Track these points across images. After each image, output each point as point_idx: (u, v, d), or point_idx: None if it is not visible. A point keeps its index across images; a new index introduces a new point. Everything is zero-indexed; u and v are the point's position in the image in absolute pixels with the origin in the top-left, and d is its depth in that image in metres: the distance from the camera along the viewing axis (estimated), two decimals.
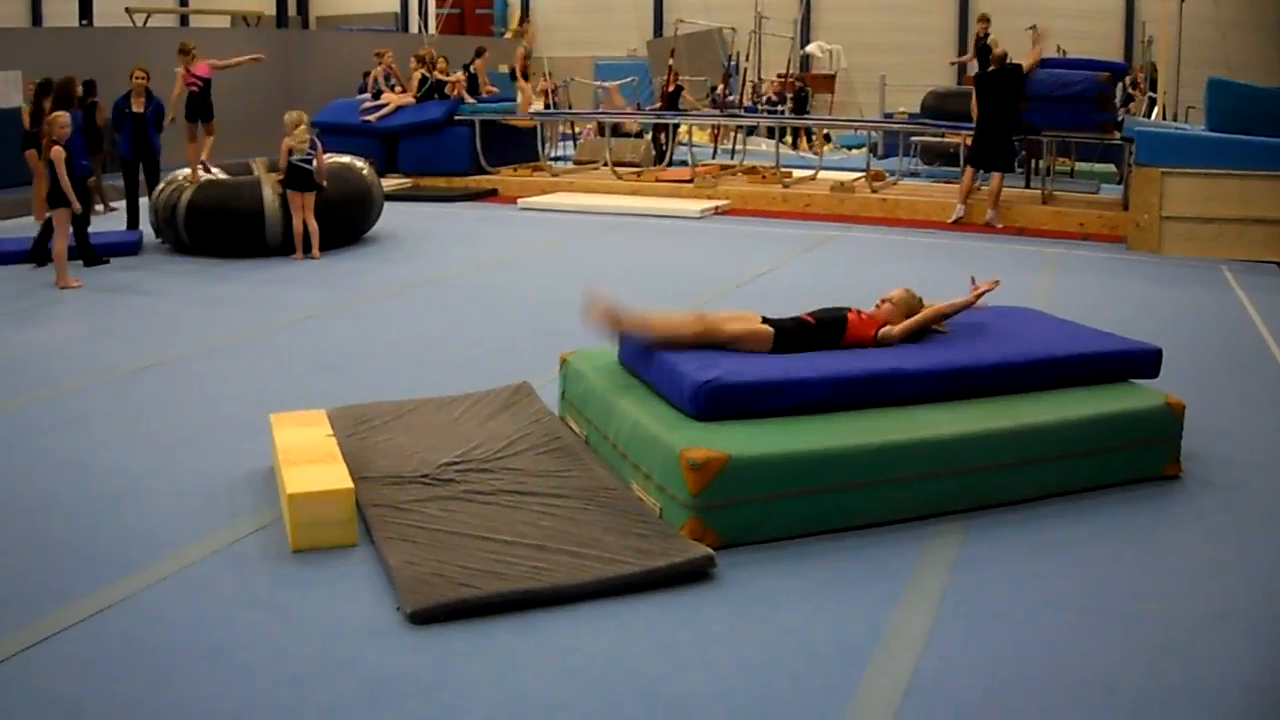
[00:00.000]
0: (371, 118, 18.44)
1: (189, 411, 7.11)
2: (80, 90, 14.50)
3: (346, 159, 13.58)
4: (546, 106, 21.52)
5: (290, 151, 12.28)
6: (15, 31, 26.34)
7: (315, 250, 12.38)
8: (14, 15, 33.42)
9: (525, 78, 19.86)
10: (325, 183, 12.45)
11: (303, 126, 12.42)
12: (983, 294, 6.30)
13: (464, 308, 10.06)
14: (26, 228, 13.86)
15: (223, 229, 12.45)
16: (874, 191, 16.20)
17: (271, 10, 32.73)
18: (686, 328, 5.71)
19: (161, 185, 13.01)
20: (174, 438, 6.57)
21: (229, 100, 18.12)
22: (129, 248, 12.78)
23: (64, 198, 11.02)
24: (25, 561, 4.94)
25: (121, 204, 14.63)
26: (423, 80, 18.73)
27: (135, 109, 13.62)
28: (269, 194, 12.44)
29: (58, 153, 11.00)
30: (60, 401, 7.39)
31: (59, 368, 8.22)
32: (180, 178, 12.85)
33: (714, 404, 5.24)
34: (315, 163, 12.36)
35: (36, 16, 34.10)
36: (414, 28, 34.97)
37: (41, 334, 9.42)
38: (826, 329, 5.91)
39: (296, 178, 12.29)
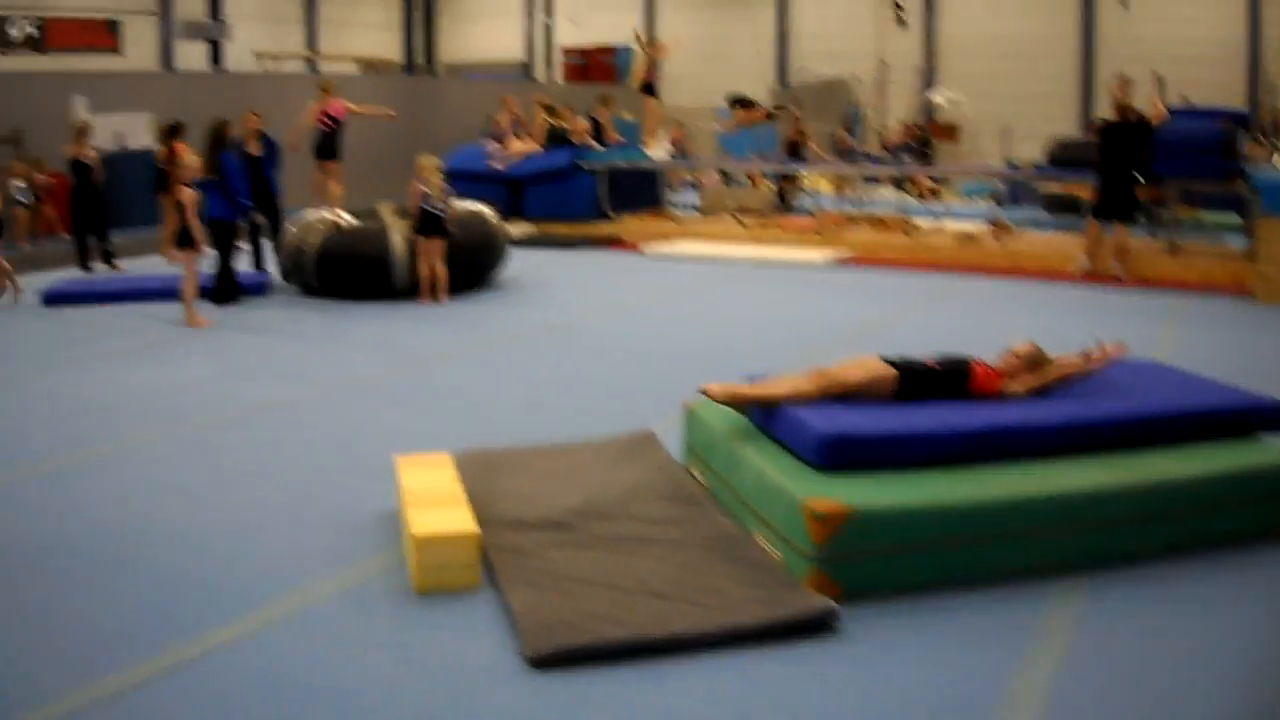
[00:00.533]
0: (498, 164, 18.63)
1: (315, 450, 7.24)
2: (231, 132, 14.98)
3: (474, 205, 13.77)
4: (673, 155, 21.61)
5: (423, 196, 12.44)
6: (146, 75, 27.08)
7: (442, 295, 12.52)
8: (145, 58, 34.31)
9: (654, 93, 19.99)
10: (455, 229, 12.64)
11: (435, 172, 12.58)
12: (1107, 359, 6.23)
13: (588, 354, 10.10)
14: (158, 265, 14.41)
15: (351, 273, 12.68)
16: (998, 241, 16.06)
17: (399, 57, 33.38)
18: (808, 388, 5.69)
19: (288, 228, 13.29)
20: (300, 476, 6.70)
21: (357, 144, 18.49)
22: (257, 289, 13.07)
23: (193, 239, 11.34)
24: (153, 593, 5.06)
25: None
26: (548, 128, 18.92)
27: (252, 153, 13.92)
28: (396, 238, 12.63)
29: (189, 195, 11.30)
30: (190, 437, 7.58)
31: (189, 404, 8.43)
32: (312, 218, 13.17)
33: (838, 455, 5.21)
34: (447, 209, 12.54)
35: (168, 60, 34.94)
36: (539, 76, 35.42)
37: (173, 371, 9.64)
38: (950, 377, 5.84)
39: (428, 223, 12.43)
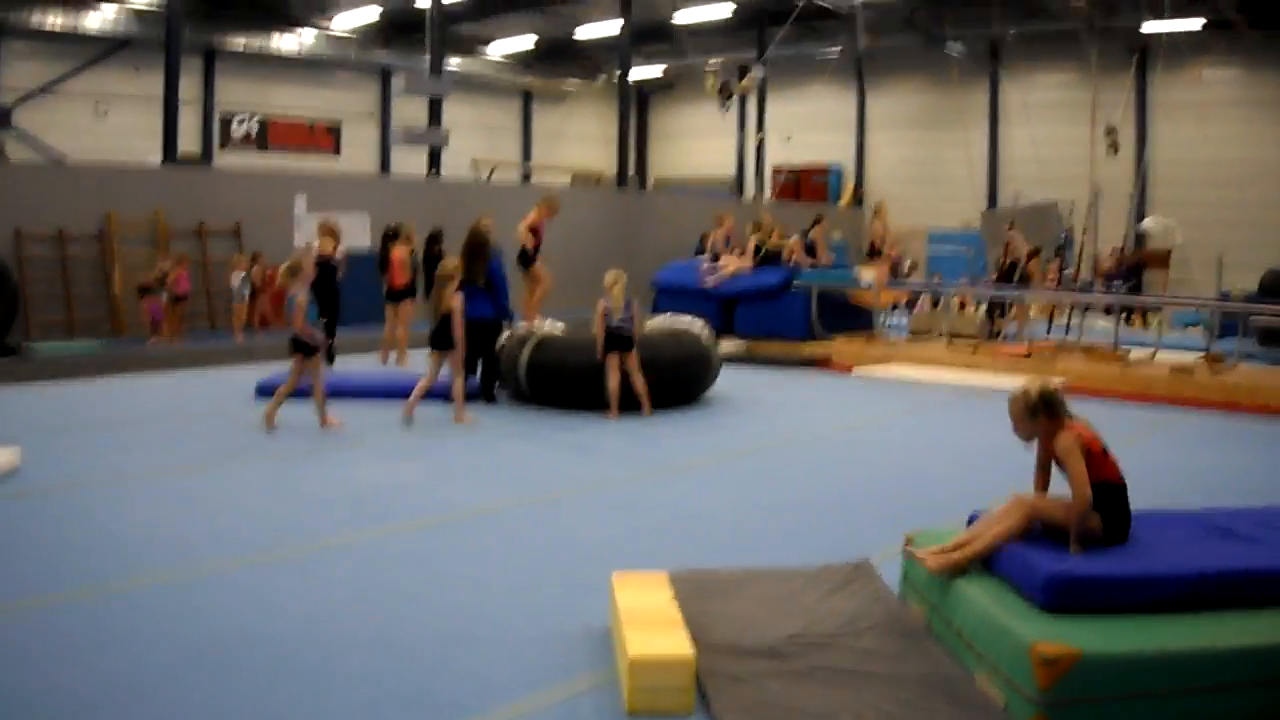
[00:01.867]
0: (710, 281, 18.77)
1: (526, 560, 7.30)
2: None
3: (686, 320, 13.93)
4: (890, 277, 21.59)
5: (606, 314, 12.55)
6: (364, 178, 28.08)
7: (646, 407, 12.63)
8: (365, 161, 35.61)
9: (879, 254, 20.10)
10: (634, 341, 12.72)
11: (619, 286, 12.63)
12: None
13: (799, 476, 10.05)
14: (371, 364, 15.11)
15: (561, 382, 12.92)
16: (1212, 374, 15.65)
17: (610, 170, 33.99)
18: (1015, 524, 5.58)
19: (505, 336, 13.60)
20: (511, 584, 6.75)
21: (566, 255, 18.90)
22: (469, 393, 13.32)
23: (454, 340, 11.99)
24: (357, 699, 5.11)
25: None
26: (758, 246, 19.04)
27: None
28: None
29: (457, 301, 11.93)
30: (403, 538, 7.74)
31: (402, 505, 8.63)
32: (524, 328, 13.54)
33: (1066, 596, 5.06)
34: (632, 323, 12.62)
35: (385, 163, 36.17)
36: (749, 193, 35.76)
37: (386, 470, 9.89)
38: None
39: (613, 341, 12.55)
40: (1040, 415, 5.78)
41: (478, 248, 13.28)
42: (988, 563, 5.64)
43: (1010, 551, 5.45)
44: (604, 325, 12.53)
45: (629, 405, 12.63)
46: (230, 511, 8.45)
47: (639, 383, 12.65)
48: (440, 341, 12.03)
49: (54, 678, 5.27)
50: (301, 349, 11.43)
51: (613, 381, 12.60)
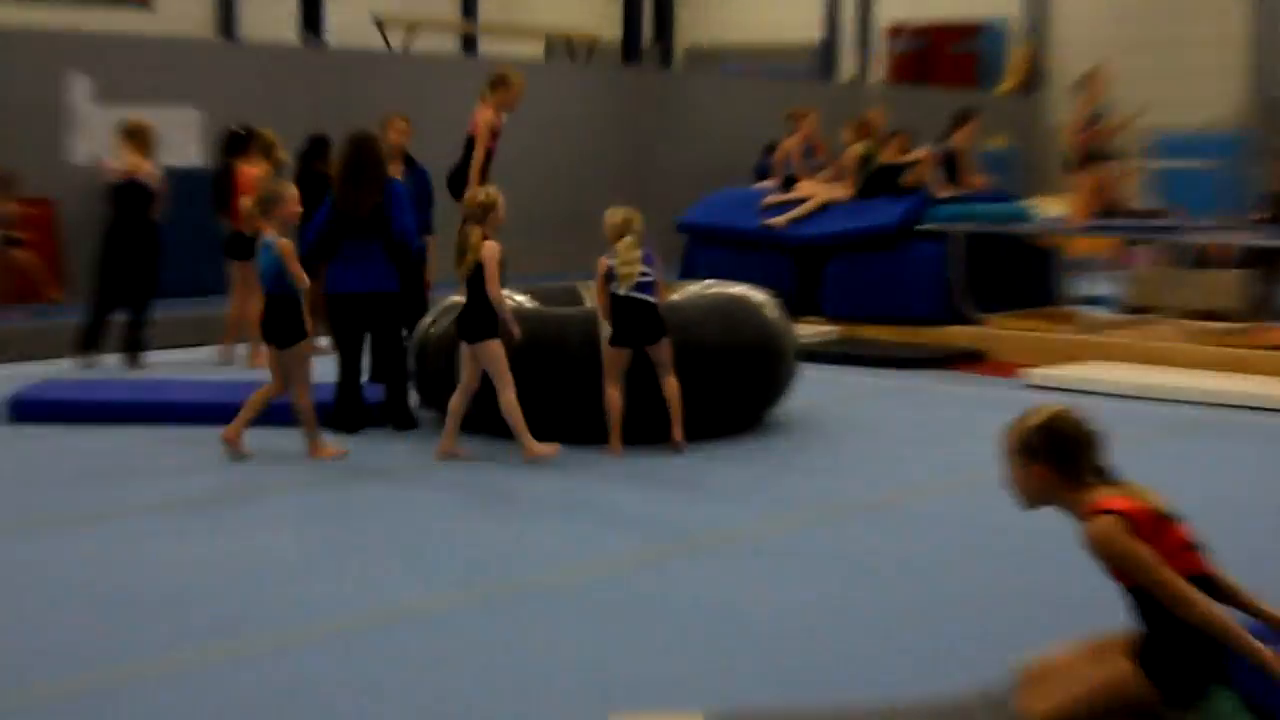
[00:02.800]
0: (779, 220, 18.69)
1: (480, 694, 7.31)
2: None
3: (738, 289, 13.88)
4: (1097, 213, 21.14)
5: (609, 276, 12.53)
6: (190, 44, 28.10)
7: (677, 429, 12.57)
8: (194, 19, 35.67)
9: (1090, 163, 19.84)
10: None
11: (631, 237, 12.53)
12: None
13: (917, 554, 10.02)
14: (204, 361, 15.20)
15: (531, 381, 12.40)
16: None
17: (614, 33, 33.93)
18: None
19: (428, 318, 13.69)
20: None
21: (543, 187, 18.92)
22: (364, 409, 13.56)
23: None
24: None
25: None
26: (865, 161, 18.93)
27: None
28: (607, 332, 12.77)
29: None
30: (281, 657, 7.80)
31: (278, 602, 8.69)
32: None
33: None
34: (655, 292, 12.57)
35: (228, 23, 36.18)
36: (847, 72, 35.72)
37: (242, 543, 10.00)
38: None
39: (628, 320, 12.48)
40: (1040, 461, 5.80)
41: (363, 166, 13.27)
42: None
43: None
44: (608, 297, 12.53)
45: (644, 434, 12.66)
46: None
47: (671, 389, 12.57)
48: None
49: None
50: (284, 333, 11.95)
51: (613, 395, 12.52)
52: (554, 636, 8.25)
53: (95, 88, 20.88)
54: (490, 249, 11.91)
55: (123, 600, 8.83)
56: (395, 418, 13.40)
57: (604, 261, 12.52)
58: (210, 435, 12.75)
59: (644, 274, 12.40)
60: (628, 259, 12.42)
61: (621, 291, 12.37)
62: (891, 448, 13.26)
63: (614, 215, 12.72)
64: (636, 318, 12.38)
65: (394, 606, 8.71)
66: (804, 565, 9.78)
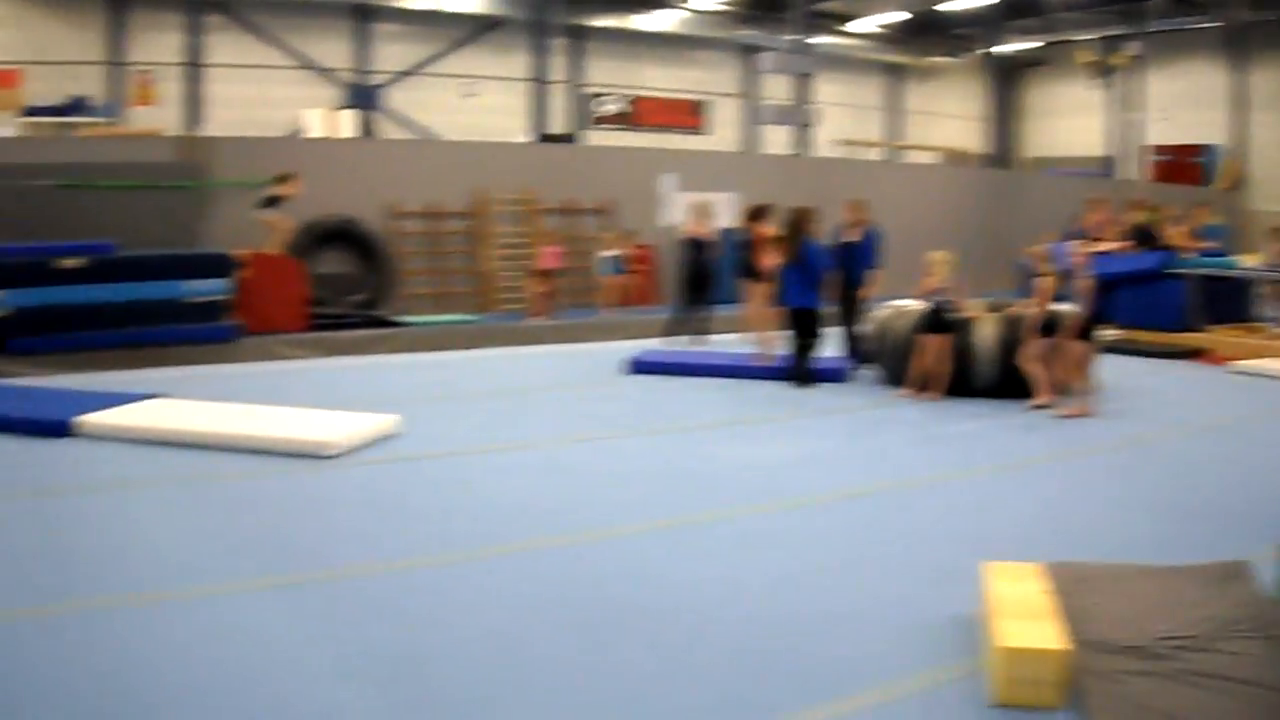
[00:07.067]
0: (1078, 258, 18.28)
1: (896, 545, 7.42)
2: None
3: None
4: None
5: (930, 293, 12.55)
6: (732, 156, 28.65)
7: (934, 391, 12.49)
8: (730, 140, 36.07)
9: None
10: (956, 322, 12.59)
11: (946, 267, 12.63)
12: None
13: (1170, 474, 9.73)
14: (732, 343, 15.75)
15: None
16: None
17: (981, 149, 33.63)
18: None
19: (871, 316, 13.83)
20: (880, 569, 6.89)
21: (937, 236, 18.86)
22: (836, 375, 13.70)
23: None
24: (728, 670, 5.38)
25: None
26: (1136, 229, 18.54)
27: (847, 239, 14.30)
28: (983, 335, 12.75)
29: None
30: (770, 518, 7.99)
31: (770, 485, 8.87)
32: (901, 305, 13.50)
33: None
34: (955, 306, 12.56)
35: (751, 141, 36.53)
36: (1123, 174, 34.78)
37: (757, 450, 10.14)
38: None
39: (933, 321, 12.50)
40: None
41: (795, 227, 13.33)
42: None
43: None
44: (929, 305, 12.63)
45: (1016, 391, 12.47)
46: (609, 483, 8.89)
47: (943, 368, 12.52)
48: None
49: (449, 633, 5.80)
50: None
51: (918, 362, 12.57)
52: (950, 510, 8.28)
53: (677, 181, 21.61)
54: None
55: (702, 475, 9.13)
56: (802, 377, 13.33)
57: (928, 283, 12.65)
58: (739, 385, 13.23)
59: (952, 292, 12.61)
60: (943, 281, 12.63)
61: (930, 302, 12.68)
62: (1146, 405, 12.87)
63: (938, 254, 12.89)
64: (938, 319, 12.56)
65: (850, 489, 8.73)
66: (1097, 477, 9.53)
